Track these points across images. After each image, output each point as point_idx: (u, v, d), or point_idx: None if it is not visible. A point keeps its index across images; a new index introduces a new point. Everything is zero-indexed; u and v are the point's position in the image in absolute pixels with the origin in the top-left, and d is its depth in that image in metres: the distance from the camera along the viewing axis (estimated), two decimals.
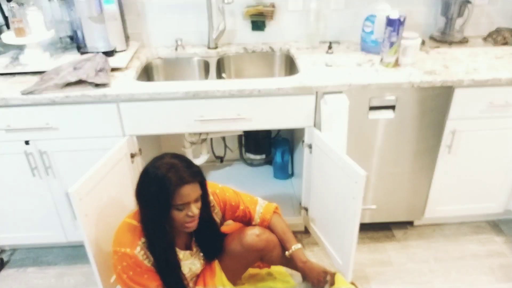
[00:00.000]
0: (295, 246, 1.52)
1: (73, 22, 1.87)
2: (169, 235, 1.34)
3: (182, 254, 1.42)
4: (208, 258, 1.52)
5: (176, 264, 1.38)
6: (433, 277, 1.85)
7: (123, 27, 1.86)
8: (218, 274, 1.50)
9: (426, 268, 1.89)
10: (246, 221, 1.56)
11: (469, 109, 1.73)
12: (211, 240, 1.48)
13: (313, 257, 1.72)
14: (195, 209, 1.29)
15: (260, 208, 1.56)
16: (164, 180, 1.23)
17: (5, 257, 2.00)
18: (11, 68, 1.74)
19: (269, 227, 1.55)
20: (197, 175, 1.29)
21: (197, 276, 1.50)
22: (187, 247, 1.46)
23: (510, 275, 1.85)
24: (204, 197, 1.38)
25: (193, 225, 1.33)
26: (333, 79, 1.65)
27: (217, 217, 1.51)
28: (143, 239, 1.32)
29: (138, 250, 1.31)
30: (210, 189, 1.46)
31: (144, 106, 1.62)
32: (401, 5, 2.02)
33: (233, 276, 1.53)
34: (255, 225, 1.55)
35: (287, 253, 1.53)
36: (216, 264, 1.51)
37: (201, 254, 1.49)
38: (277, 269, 1.74)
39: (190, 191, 1.26)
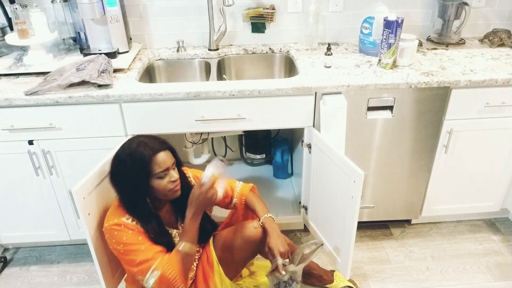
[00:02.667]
0: (267, 215, 1.53)
1: (76, 24, 1.89)
2: (151, 209, 1.39)
3: (170, 231, 1.45)
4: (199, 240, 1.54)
5: (167, 236, 1.43)
6: (431, 275, 1.87)
7: (125, 29, 1.88)
8: (215, 267, 1.52)
9: (424, 266, 1.91)
10: (228, 201, 1.59)
11: (466, 109, 1.75)
12: None
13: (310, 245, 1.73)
14: (175, 174, 1.36)
15: (239, 184, 1.62)
16: (137, 154, 1.31)
17: (8, 255, 2.02)
18: (14, 69, 1.76)
19: (246, 202, 1.59)
20: (165, 143, 1.37)
21: (196, 267, 1.54)
22: (174, 227, 1.49)
23: (507, 273, 1.87)
24: (179, 167, 1.44)
25: (178, 189, 1.38)
26: (332, 80, 1.67)
27: None
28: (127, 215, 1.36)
29: (126, 218, 1.35)
30: (192, 173, 1.55)
31: (146, 106, 1.65)
32: (399, 7, 2.04)
33: (232, 270, 1.55)
34: (235, 202, 1.59)
35: (260, 221, 1.52)
36: (213, 258, 1.53)
37: None
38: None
39: (165, 157, 1.33)
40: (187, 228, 1.37)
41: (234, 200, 1.60)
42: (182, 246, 1.35)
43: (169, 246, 1.40)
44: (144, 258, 1.32)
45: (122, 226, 1.33)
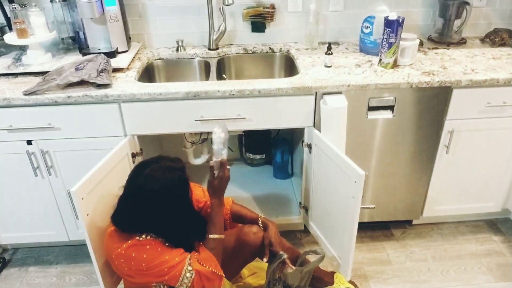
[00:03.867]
0: (261, 215, 1.59)
1: (75, 23, 1.89)
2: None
3: None
4: (198, 240, 1.53)
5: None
6: (432, 276, 1.86)
7: (124, 28, 1.87)
8: None
9: (425, 267, 1.91)
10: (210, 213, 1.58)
11: (467, 109, 1.74)
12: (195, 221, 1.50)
13: (313, 256, 1.74)
14: None
15: None
16: (183, 176, 1.30)
17: (7, 256, 2.01)
18: (13, 68, 1.76)
19: (232, 213, 1.60)
20: (180, 159, 1.36)
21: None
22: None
23: (508, 274, 1.87)
24: None
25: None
26: (332, 80, 1.66)
27: None
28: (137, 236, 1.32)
29: (138, 236, 1.30)
30: None
31: (145, 106, 1.64)
32: (400, 6, 2.03)
33: (230, 272, 1.54)
34: None
35: (260, 222, 1.56)
36: None
37: None
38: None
39: None
40: (215, 218, 1.39)
41: None
42: (213, 238, 1.38)
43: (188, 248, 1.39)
44: (172, 264, 1.29)
45: (139, 245, 1.28)
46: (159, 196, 1.26)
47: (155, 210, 1.28)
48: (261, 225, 1.54)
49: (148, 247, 1.29)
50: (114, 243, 1.31)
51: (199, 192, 1.58)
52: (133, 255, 1.28)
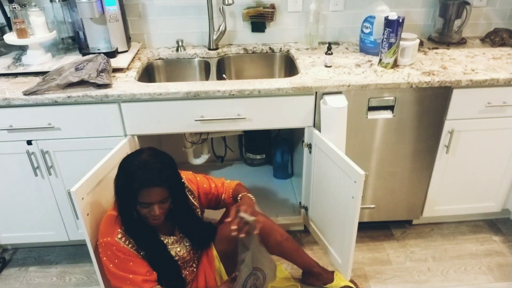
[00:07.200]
0: (247, 194, 1.52)
1: (75, 23, 1.88)
2: (145, 221, 1.36)
3: (166, 240, 1.44)
4: (197, 247, 1.54)
5: (162, 247, 1.41)
6: (432, 276, 1.86)
7: (124, 28, 1.87)
8: (216, 265, 1.51)
9: (425, 267, 1.91)
10: (219, 200, 1.58)
11: (467, 109, 1.74)
12: (194, 228, 1.50)
13: (313, 255, 1.74)
14: (156, 210, 1.30)
15: (225, 182, 1.61)
16: (131, 176, 1.27)
17: (7, 256, 2.01)
18: (13, 68, 1.76)
19: (233, 192, 1.56)
20: (165, 181, 1.29)
21: (197, 268, 1.53)
22: (171, 233, 1.48)
23: (508, 274, 1.86)
24: (179, 193, 1.40)
25: (156, 222, 1.35)
26: (332, 80, 1.66)
27: (196, 203, 1.53)
28: (123, 227, 1.35)
29: (119, 237, 1.34)
30: (184, 176, 1.50)
31: (145, 106, 1.64)
32: (400, 6, 2.03)
33: (232, 263, 1.54)
34: (223, 198, 1.57)
35: (238, 197, 1.51)
36: (214, 256, 1.52)
37: (186, 239, 1.51)
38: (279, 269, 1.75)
39: (153, 193, 1.28)
40: None
41: (223, 195, 1.57)
42: None
43: (163, 258, 1.40)
44: None
45: (114, 248, 1.32)
46: (120, 175, 1.31)
47: (117, 188, 1.33)
48: (239, 199, 1.50)
49: (123, 257, 1.33)
50: (103, 230, 1.37)
51: (206, 185, 1.56)
52: (108, 253, 1.34)
